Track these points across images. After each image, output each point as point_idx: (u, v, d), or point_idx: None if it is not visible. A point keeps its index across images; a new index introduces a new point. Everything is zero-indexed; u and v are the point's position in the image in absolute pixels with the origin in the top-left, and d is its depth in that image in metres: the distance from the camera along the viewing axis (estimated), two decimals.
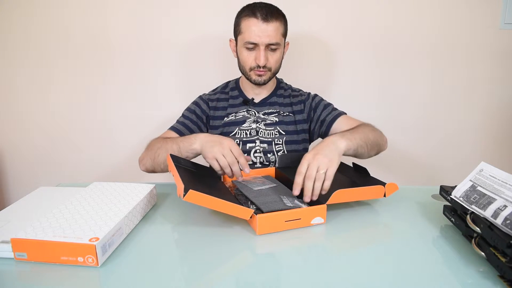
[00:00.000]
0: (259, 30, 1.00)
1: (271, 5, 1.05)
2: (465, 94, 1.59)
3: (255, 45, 1.03)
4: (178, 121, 1.13)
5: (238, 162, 0.83)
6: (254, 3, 1.05)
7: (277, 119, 1.13)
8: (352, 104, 1.56)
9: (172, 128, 1.10)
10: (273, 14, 1.02)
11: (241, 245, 0.67)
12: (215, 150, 0.83)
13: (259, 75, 1.07)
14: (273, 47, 1.03)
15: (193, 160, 0.92)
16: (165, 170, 0.96)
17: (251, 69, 1.07)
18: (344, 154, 0.87)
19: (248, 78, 1.10)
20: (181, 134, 1.08)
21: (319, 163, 0.77)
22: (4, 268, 0.59)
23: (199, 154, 0.91)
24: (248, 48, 1.04)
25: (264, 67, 1.05)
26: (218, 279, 0.57)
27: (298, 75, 1.49)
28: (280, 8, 1.07)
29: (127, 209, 0.71)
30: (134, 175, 1.62)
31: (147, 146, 1.02)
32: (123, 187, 0.82)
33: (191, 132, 1.10)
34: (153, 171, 1.00)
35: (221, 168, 0.83)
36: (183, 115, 1.15)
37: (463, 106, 1.61)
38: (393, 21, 1.51)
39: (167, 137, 1.01)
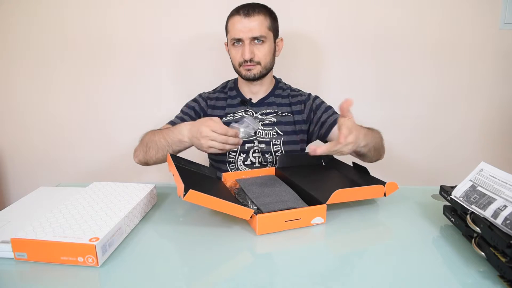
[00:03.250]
0: (242, 25, 1.03)
1: (257, 3, 1.08)
2: (465, 94, 1.59)
3: (240, 40, 1.05)
4: (177, 117, 1.15)
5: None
6: (242, 4, 1.08)
7: (275, 120, 1.13)
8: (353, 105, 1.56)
9: (171, 123, 1.12)
10: (255, 9, 1.05)
11: (241, 245, 0.67)
12: (202, 142, 0.84)
13: (248, 70, 1.08)
14: (258, 40, 1.05)
15: (193, 160, 0.92)
16: (157, 162, 0.99)
17: (240, 65, 1.08)
18: (354, 152, 0.91)
19: (239, 74, 1.11)
20: None
21: (349, 145, 0.77)
22: (4, 268, 0.59)
23: (191, 147, 0.93)
24: (234, 45, 1.07)
25: (251, 60, 1.06)
26: (218, 279, 0.57)
27: (296, 75, 1.49)
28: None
29: (127, 209, 0.71)
30: (134, 175, 1.62)
31: (140, 139, 1.04)
32: (123, 187, 0.82)
33: None
34: (146, 164, 1.02)
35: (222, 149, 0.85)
36: (181, 111, 1.16)
37: (464, 106, 1.61)
38: (392, 21, 1.51)
39: (157, 129, 1.03)
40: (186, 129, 0.90)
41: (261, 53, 1.06)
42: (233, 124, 0.87)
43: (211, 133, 0.83)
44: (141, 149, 1.00)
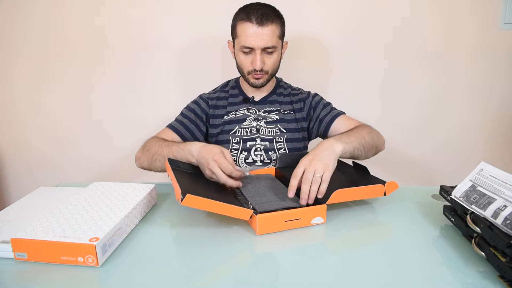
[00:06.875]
0: (254, 34, 1.00)
1: (267, 6, 1.03)
2: (465, 94, 1.59)
3: (251, 49, 1.03)
4: (176, 119, 1.13)
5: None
6: (251, 5, 1.04)
7: (277, 117, 1.13)
8: (353, 104, 1.56)
9: (170, 127, 1.10)
10: (269, 17, 1.00)
11: (241, 245, 0.67)
12: (206, 172, 0.83)
13: (257, 79, 1.07)
14: (269, 50, 1.03)
15: None
16: (162, 171, 0.99)
17: (248, 73, 1.08)
18: (341, 157, 0.88)
19: (246, 80, 1.11)
20: (178, 133, 1.09)
21: (315, 167, 0.77)
22: (4, 268, 0.59)
23: None
24: (244, 52, 1.04)
25: (261, 70, 1.05)
26: (218, 279, 0.57)
27: (298, 75, 1.49)
28: (280, 7, 1.06)
29: (127, 209, 0.71)
30: (133, 175, 1.62)
31: (143, 145, 1.02)
32: (123, 187, 0.82)
33: (189, 131, 1.10)
34: (149, 170, 1.02)
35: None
36: (181, 114, 1.15)
37: (464, 106, 1.61)
38: (393, 22, 1.51)
39: (163, 139, 1.02)
40: (195, 151, 0.87)
41: (271, 62, 1.06)
42: (239, 168, 0.85)
43: (216, 169, 0.80)
44: (146, 158, 0.99)
